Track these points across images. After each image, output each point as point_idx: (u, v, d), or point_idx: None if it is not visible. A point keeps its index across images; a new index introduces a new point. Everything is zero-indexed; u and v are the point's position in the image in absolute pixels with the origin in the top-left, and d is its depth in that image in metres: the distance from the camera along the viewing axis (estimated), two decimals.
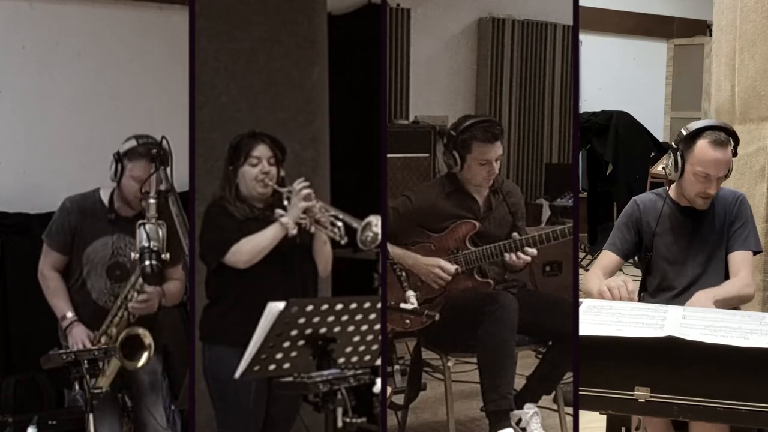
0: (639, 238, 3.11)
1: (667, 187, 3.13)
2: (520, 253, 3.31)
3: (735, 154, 2.98)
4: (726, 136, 2.95)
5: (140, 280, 3.02)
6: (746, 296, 2.94)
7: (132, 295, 3.06)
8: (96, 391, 2.76)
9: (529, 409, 3.28)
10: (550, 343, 3.37)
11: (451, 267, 3.36)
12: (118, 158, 3.09)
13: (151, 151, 3.00)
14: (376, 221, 2.73)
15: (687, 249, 3.04)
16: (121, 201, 3.17)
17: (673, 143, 3.01)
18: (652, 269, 3.10)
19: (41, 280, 3.22)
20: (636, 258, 3.27)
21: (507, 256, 3.33)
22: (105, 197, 3.19)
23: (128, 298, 3.07)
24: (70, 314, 3.15)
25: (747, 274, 2.98)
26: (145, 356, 3.09)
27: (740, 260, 3.00)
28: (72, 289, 3.20)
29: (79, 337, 3.11)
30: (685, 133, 2.98)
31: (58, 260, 3.20)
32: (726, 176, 2.98)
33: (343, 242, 2.81)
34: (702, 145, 2.93)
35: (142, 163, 3.04)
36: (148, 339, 3.08)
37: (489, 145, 3.32)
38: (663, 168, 5.77)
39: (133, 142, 3.09)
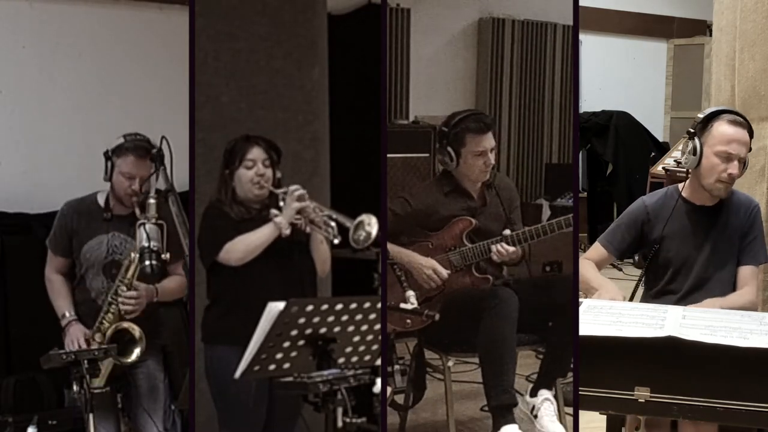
0: (640, 240, 3.08)
1: (679, 186, 3.07)
2: (500, 247, 3.31)
3: (750, 149, 2.96)
4: (743, 120, 2.94)
5: (128, 274, 3.07)
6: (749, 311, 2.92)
7: (121, 290, 3.08)
8: (96, 391, 2.77)
9: (541, 395, 3.27)
10: (551, 324, 3.35)
11: (444, 272, 3.36)
12: (108, 156, 3.16)
13: (138, 147, 3.10)
14: (368, 220, 2.72)
15: (696, 252, 3.00)
16: (115, 200, 3.21)
17: (689, 129, 2.98)
18: (658, 272, 3.06)
19: (47, 284, 3.28)
20: (635, 258, 3.26)
21: (493, 248, 3.33)
22: (101, 199, 3.24)
23: (118, 293, 3.09)
24: (68, 313, 3.20)
25: (752, 289, 2.97)
26: (137, 351, 3.12)
27: (748, 275, 2.99)
28: (75, 289, 3.25)
29: (75, 336, 3.15)
30: (701, 116, 2.96)
31: (61, 264, 3.27)
32: (744, 166, 2.94)
33: (336, 241, 2.81)
34: (720, 124, 2.92)
35: (129, 159, 3.12)
36: (137, 332, 3.11)
37: (482, 136, 3.34)
38: (663, 168, 5.78)
39: (121, 140, 3.16)
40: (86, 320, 3.18)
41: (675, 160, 3.08)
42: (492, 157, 3.37)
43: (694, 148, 2.94)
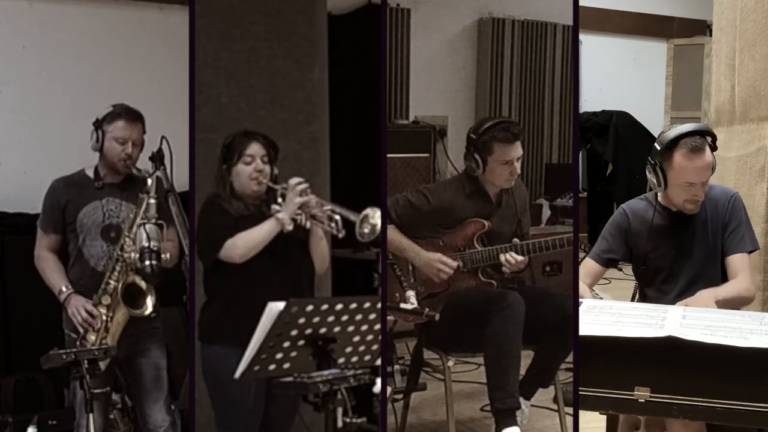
0: (626, 247, 3.07)
1: (657, 192, 3.06)
2: (509, 256, 3.32)
3: (714, 148, 2.93)
4: (701, 139, 2.89)
5: (134, 229, 3.05)
6: (746, 298, 2.92)
7: (127, 244, 3.07)
8: (96, 391, 2.76)
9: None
10: (543, 334, 3.34)
11: (453, 263, 3.36)
12: (98, 125, 3.16)
13: (128, 111, 3.14)
14: (373, 213, 2.70)
15: (681, 255, 3.00)
16: (106, 168, 3.21)
17: (650, 159, 2.96)
18: (647, 278, 3.07)
19: (37, 263, 3.24)
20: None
21: (502, 257, 3.33)
22: (90, 173, 3.24)
23: (123, 248, 3.08)
24: (65, 287, 3.16)
25: (745, 276, 2.96)
26: (149, 301, 3.11)
27: (738, 263, 2.97)
28: (72, 266, 3.21)
29: (76, 306, 3.11)
30: (659, 147, 2.92)
31: (52, 241, 3.23)
32: (711, 171, 2.92)
33: (340, 236, 2.79)
34: (679, 157, 2.87)
35: (121, 123, 3.15)
36: (144, 285, 3.10)
37: (510, 146, 3.33)
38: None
39: (110, 108, 3.17)
40: (87, 294, 3.14)
41: (649, 186, 3.08)
42: (518, 166, 3.36)
43: (657, 177, 2.94)
